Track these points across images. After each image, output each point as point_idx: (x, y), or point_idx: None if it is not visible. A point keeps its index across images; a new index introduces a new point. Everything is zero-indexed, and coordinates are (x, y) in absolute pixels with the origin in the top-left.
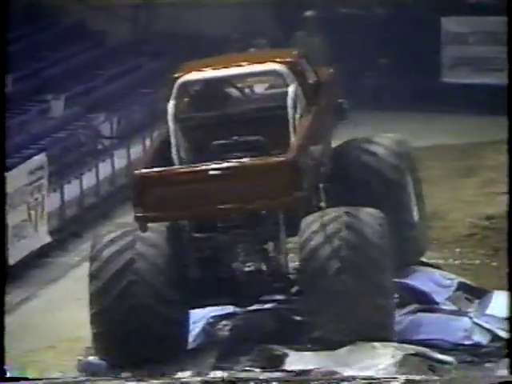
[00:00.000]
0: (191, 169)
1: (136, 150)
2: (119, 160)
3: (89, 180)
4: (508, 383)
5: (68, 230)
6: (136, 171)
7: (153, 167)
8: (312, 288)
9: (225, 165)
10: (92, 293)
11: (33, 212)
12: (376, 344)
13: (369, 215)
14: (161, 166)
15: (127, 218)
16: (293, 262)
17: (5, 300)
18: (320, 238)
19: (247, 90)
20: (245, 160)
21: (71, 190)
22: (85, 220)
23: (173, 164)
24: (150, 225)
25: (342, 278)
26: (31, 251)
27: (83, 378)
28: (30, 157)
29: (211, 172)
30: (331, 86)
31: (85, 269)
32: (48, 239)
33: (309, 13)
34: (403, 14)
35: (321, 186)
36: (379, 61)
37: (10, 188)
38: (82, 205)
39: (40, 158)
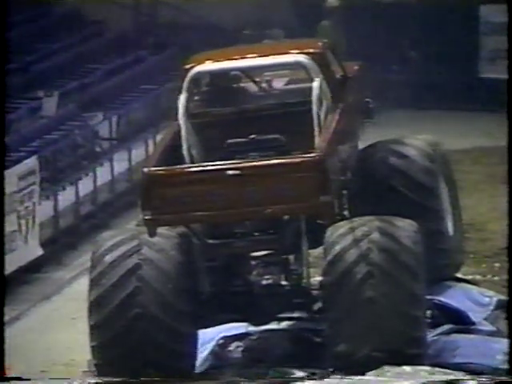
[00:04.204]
0: (207, 168)
1: (138, 153)
2: (119, 164)
3: (85, 186)
4: (507, 383)
5: (62, 241)
6: (145, 169)
7: (162, 166)
8: (336, 295)
9: (244, 164)
10: (92, 301)
11: (23, 222)
12: (406, 368)
13: (403, 222)
14: (170, 165)
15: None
16: (315, 277)
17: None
18: (347, 240)
19: (265, 85)
20: (267, 159)
21: (66, 197)
22: (81, 231)
23: (184, 163)
24: (158, 229)
25: (370, 284)
26: (21, 265)
27: (85, 380)
28: (19, 161)
29: (229, 172)
30: (358, 83)
31: (80, 285)
32: (40, 252)
33: (333, 1)
34: (437, 1)
35: (345, 191)
36: (409, 54)
37: None
38: (77, 214)
39: (31, 162)
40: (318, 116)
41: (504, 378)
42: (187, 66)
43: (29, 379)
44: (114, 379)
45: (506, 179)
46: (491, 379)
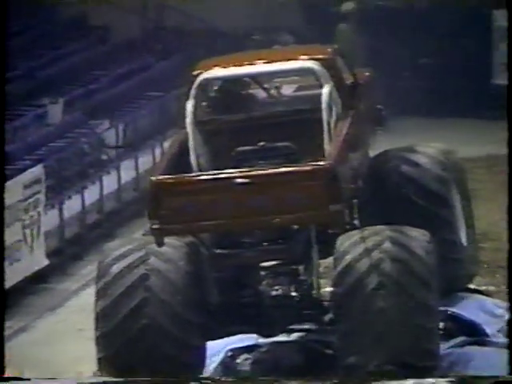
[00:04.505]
0: (215, 176)
1: (145, 161)
2: (126, 172)
3: (91, 195)
4: (507, 383)
5: (68, 251)
6: (152, 177)
7: (169, 174)
8: (347, 306)
9: (253, 173)
10: (99, 312)
11: (28, 231)
12: (423, 381)
13: (415, 231)
14: (178, 174)
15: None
16: (326, 288)
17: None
18: (358, 250)
19: (274, 91)
20: (276, 167)
21: (71, 206)
22: (87, 240)
23: (192, 172)
24: (166, 239)
25: (381, 295)
26: (26, 276)
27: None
28: (24, 169)
29: (238, 180)
30: (369, 90)
31: (87, 296)
32: (45, 262)
33: (348, 6)
34: (449, 6)
35: (355, 200)
36: (420, 60)
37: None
38: (83, 223)
39: (36, 170)
40: (328, 123)
41: (503, 378)
42: (195, 73)
43: (28, 379)
44: (114, 379)
45: (507, 186)
46: (490, 379)
